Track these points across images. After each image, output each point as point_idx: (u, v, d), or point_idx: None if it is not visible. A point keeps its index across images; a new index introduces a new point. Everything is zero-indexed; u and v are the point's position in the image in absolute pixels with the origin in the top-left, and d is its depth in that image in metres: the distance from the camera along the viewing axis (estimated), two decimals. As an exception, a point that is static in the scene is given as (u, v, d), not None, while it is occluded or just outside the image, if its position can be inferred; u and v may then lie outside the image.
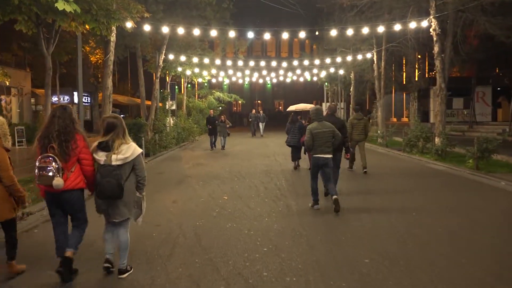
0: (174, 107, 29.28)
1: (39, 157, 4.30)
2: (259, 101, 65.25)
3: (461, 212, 7.67)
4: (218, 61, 24.13)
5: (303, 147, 11.95)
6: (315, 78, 34.30)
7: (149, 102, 24.33)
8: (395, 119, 63.28)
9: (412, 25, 15.63)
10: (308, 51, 42.79)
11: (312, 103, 59.49)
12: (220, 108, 34.79)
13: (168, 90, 28.42)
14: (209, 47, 27.70)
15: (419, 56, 29.01)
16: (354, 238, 6.03)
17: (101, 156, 4.51)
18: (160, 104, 28.39)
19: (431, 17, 14.70)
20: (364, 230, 6.45)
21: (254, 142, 24.38)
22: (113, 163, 4.45)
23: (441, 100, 15.16)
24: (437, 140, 15.22)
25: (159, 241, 5.98)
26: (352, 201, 8.51)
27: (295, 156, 13.01)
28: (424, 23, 15.07)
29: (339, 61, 25.39)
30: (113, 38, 14.09)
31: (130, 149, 4.55)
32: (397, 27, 16.19)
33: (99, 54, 32.59)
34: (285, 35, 17.52)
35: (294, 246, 5.71)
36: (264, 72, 32.43)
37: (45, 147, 4.35)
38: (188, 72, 27.08)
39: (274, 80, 37.04)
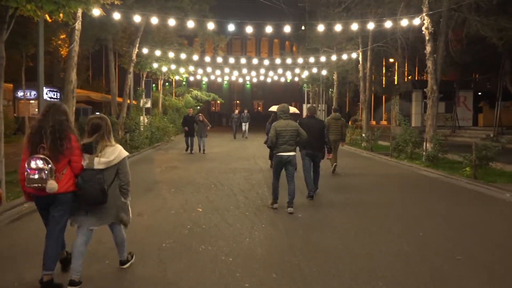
0: (149, 105, 27.80)
1: (30, 158, 3.94)
2: (237, 101, 64.27)
3: (474, 229, 6.60)
4: (195, 57, 22.73)
5: None
6: (296, 79, 33.25)
7: (121, 99, 22.77)
8: (373, 122, 63.23)
9: (404, 22, 14.66)
10: (289, 52, 41.89)
11: (291, 105, 59.07)
12: (198, 107, 33.31)
13: (143, 87, 26.92)
14: (188, 43, 26.25)
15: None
16: (358, 269, 4.85)
17: (84, 159, 4.23)
18: (135, 102, 26.87)
19: (424, 14, 13.76)
20: (369, 257, 5.28)
21: (233, 144, 23.09)
22: (96, 166, 4.20)
23: (432, 103, 14.25)
24: (427, 145, 14.29)
25: (111, 272, 4.67)
26: (349, 217, 7.36)
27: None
28: (416, 21, 14.15)
29: (323, 61, 24.38)
30: (78, 25, 12.64)
31: (114, 152, 4.30)
32: (388, 23, 15.23)
33: (70, 47, 30.87)
34: (268, 29, 16.30)
35: (284, 281, 4.49)
36: (244, 71, 31.19)
37: (35, 146, 4.01)
38: (164, 69, 25.57)
39: (254, 80, 35.82)
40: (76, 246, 4.22)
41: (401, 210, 7.92)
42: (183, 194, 9.12)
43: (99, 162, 4.21)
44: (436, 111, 14.49)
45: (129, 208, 4.64)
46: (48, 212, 4.16)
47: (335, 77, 26.13)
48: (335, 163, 12.03)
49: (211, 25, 16.02)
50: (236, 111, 29.14)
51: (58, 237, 4.17)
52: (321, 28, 17.10)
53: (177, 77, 30.79)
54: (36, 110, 24.92)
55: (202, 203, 8.29)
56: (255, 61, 26.76)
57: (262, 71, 32.32)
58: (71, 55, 12.87)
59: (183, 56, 22.61)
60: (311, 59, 24.81)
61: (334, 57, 22.56)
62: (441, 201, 8.74)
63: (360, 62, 20.76)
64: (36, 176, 3.89)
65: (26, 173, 3.94)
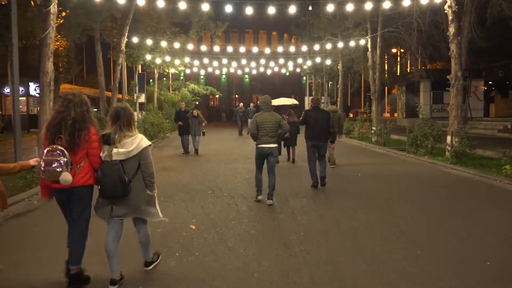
0: (142, 100, 26.22)
1: (46, 149, 3.77)
2: (236, 95, 62.72)
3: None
4: (191, 46, 20.99)
5: (282, 142, 12.41)
6: (298, 70, 31.56)
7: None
8: (364, 115, 61.62)
9: (424, 0, 12.97)
10: (286, 47, 39.76)
11: (291, 97, 57.83)
12: (196, 102, 31.63)
13: (136, 81, 25.27)
14: (183, 33, 24.46)
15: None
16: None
17: (104, 151, 3.99)
18: (128, 97, 25.25)
19: (448, -10, 12.07)
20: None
21: (233, 141, 21.42)
22: (114, 158, 3.94)
23: (457, 91, 12.58)
24: (450, 139, 12.66)
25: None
26: (379, 235, 5.74)
27: None
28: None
29: (328, 49, 22.64)
30: (53, 8, 10.99)
31: (134, 142, 4.01)
32: (406, 2, 13.51)
33: (59, 40, 29.08)
34: (271, 10, 14.57)
35: None
36: (243, 62, 29.44)
37: (53, 137, 3.84)
38: (158, 61, 23.85)
39: (254, 72, 34.05)
40: (107, 244, 4.02)
41: (457, 232, 6.28)
42: (173, 204, 7.50)
43: (118, 152, 3.95)
44: (461, 101, 12.85)
45: (157, 201, 4.25)
46: (67, 206, 3.98)
47: (339, 66, 24.39)
48: (331, 159, 11.67)
49: (206, 6, 14.20)
50: (241, 105, 26.07)
51: (82, 230, 4.02)
52: (330, 7, 15.36)
53: (172, 70, 29.09)
54: (21, 107, 23.30)
55: (197, 216, 6.68)
56: (255, 49, 24.99)
57: (262, 61, 30.55)
58: (46, 43, 11.19)
59: (177, 45, 20.87)
60: (316, 47, 23.04)
61: (340, 44, 20.79)
62: (487, 208, 7.13)
63: (369, 50, 19.05)
64: (50, 168, 3.70)
65: (41, 164, 3.74)
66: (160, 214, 4.26)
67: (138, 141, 4.02)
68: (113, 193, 3.88)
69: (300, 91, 55.09)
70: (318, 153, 8.65)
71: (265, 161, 7.50)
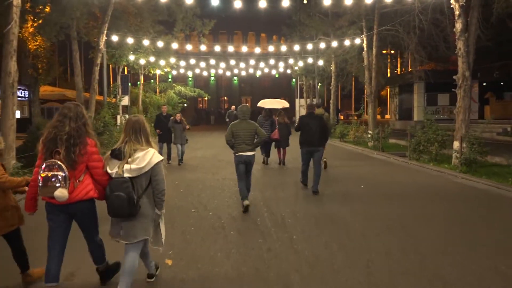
0: (126, 103, 24.86)
1: (44, 164, 3.59)
2: (225, 98, 61.65)
3: None
4: (175, 45, 19.64)
5: (273, 143, 12.53)
6: (288, 71, 30.44)
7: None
8: (367, 116, 60.78)
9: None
10: (276, 47, 37.98)
11: (281, 99, 56.90)
12: (184, 104, 30.28)
13: (119, 83, 23.91)
14: (168, 32, 23.11)
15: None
16: None
17: (114, 167, 3.74)
18: (113, 100, 23.92)
19: (454, -17, 11.01)
20: None
21: (221, 146, 20.11)
22: (125, 174, 3.66)
23: (464, 93, 11.52)
24: (457, 144, 11.59)
25: None
26: (397, 265, 4.56)
27: (265, 151, 12.70)
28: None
29: (319, 50, 21.52)
30: (16, 1, 9.65)
31: (146, 157, 3.72)
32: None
33: (39, 40, 27.55)
34: (262, 3, 13.34)
35: None
36: (232, 63, 28.20)
37: (49, 151, 3.67)
38: (142, 61, 22.49)
39: (243, 73, 32.85)
40: (124, 263, 3.82)
41: (494, 265, 5.08)
42: (148, 229, 6.23)
43: (130, 169, 3.67)
44: (468, 103, 11.77)
45: (162, 224, 4.11)
46: (60, 225, 3.76)
47: (332, 67, 23.26)
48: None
49: (190, 0, 12.89)
50: (233, 107, 24.03)
51: (96, 240, 4.02)
52: (327, 1, 14.22)
53: (158, 72, 27.77)
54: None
55: (175, 246, 5.43)
56: (243, 49, 23.76)
57: (251, 62, 29.33)
58: (9, 39, 9.85)
59: (160, 44, 19.51)
60: (309, 46, 21.88)
61: (335, 43, 19.63)
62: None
63: (365, 49, 17.93)
64: (50, 184, 3.52)
65: (39, 181, 3.58)
66: (163, 240, 4.08)
67: (150, 156, 3.74)
68: (119, 212, 3.63)
69: (290, 93, 54.33)
70: (313, 159, 8.66)
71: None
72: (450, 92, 29.28)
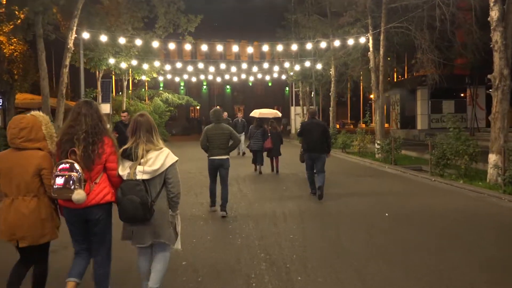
0: (107, 111, 22.64)
1: (57, 164, 3.32)
2: (218, 106, 59.64)
3: None
4: (156, 44, 17.31)
5: (265, 152, 12.36)
6: (283, 77, 28.34)
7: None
8: (363, 125, 58.69)
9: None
10: (269, 55, 34.19)
11: (273, 108, 55.34)
12: (171, 113, 28.01)
13: (99, 89, 21.64)
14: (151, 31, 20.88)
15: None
16: None
17: (125, 168, 3.47)
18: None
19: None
20: None
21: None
22: (138, 177, 3.40)
23: (502, 95, 9.40)
24: (493, 158, 9.44)
25: None
26: None
27: (258, 160, 12.34)
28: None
29: (322, 48, 19.35)
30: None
31: (160, 158, 3.47)
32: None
33: (15, 44, 25.29)
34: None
35: None
36: (223, 67, 26.01)
37: (65, 152, 3.37)
38: (123, 65, 20.23)
39: (235, 79, 30.63)
40: (139, 268, 3.74)
41: None
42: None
43: (143, 171, 3.41)
44: (507, 107, 9.64)
45: (178, 224, 3.71)
46: (80, 228, 3.45)
47: (332, 71, 21.09)
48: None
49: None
50: (225, 114, 20.52)
51: (104, 256, 3.53)
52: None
53: (144, 77, 25.55)
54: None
55: None
56: (237, 56, 21.63)
57: (244, 66, 27.17)
58: None
59: (139, 42, 17.19)
60: (308, 46, 19.74)
61: (337, 43, 17.45)
62: None
63: (371, 49, 15.79)
64: (63, 185, 3.23)
65: (52, 182, 3.28)
66: (179, 241, 3.73)
67: (164, 156, 3.49)
68: (133, 216, 3.36)
69: (283, 101, 52.64)
70: (315, 164, 8.41)
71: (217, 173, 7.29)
72: (456, 98, 27.52)
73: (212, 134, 7.13)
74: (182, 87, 56.39)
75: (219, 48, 22.06)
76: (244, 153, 16.80)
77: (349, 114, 52.85)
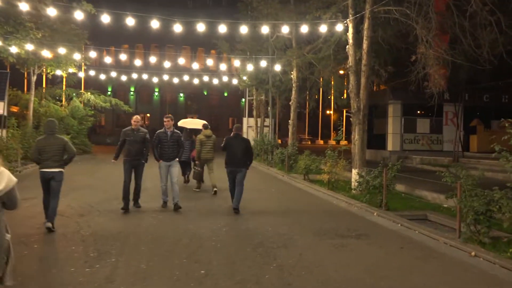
0: (0, 111, 16.84)
1: None
2: (169, 115, 54.07)
3: None
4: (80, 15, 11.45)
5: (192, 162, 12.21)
6: (235, 81, 23.32)
7: None
8: (321, 141, 54.49)
9: None
10: (214, 60, 27.60)
11: (229, 118, 51.02)
12: (95, 119, 22.19)
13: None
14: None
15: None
16: None
17: None
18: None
19: None
20: None
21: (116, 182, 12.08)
22: None
23: None
24: None
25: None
26: None
27: (185, 170, 12.15)
28: None
29: (277, 50, 14.45)
30: None
31: (1, 180, 3.03)
32: None
33: None
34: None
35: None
36: (164, 76, 20.71)
37: None
38: (14, 50, 14.50)
39: (188, 89, 25.28)
40: None
41: None
42: None
43: None
44: None
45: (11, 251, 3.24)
46: None
47: (294, 74, 16.19)
48: (213, 184, 10.73)
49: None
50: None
51: None
52: None
53: (59, 72, 19.79)
54: None
55: None
56: (181, 61, 16.42)
57: (195, 79, 21.94)
58: None
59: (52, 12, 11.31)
60: (265, 29, 14.70)
61: (304, 29, 12.55)
62: None
63: (350, 41, 10.95)
64: None
65: None
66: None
67: (6, 179, 3.05)
68: None
69: (238, 112, 48.02)
70: (236, 177, 8.55)
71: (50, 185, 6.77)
72: (431, 117, 23.50)
73: (44, 146, 6.72)
74: (132, 93, 50.98)
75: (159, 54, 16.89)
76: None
77: (306, 129, 48.67)
